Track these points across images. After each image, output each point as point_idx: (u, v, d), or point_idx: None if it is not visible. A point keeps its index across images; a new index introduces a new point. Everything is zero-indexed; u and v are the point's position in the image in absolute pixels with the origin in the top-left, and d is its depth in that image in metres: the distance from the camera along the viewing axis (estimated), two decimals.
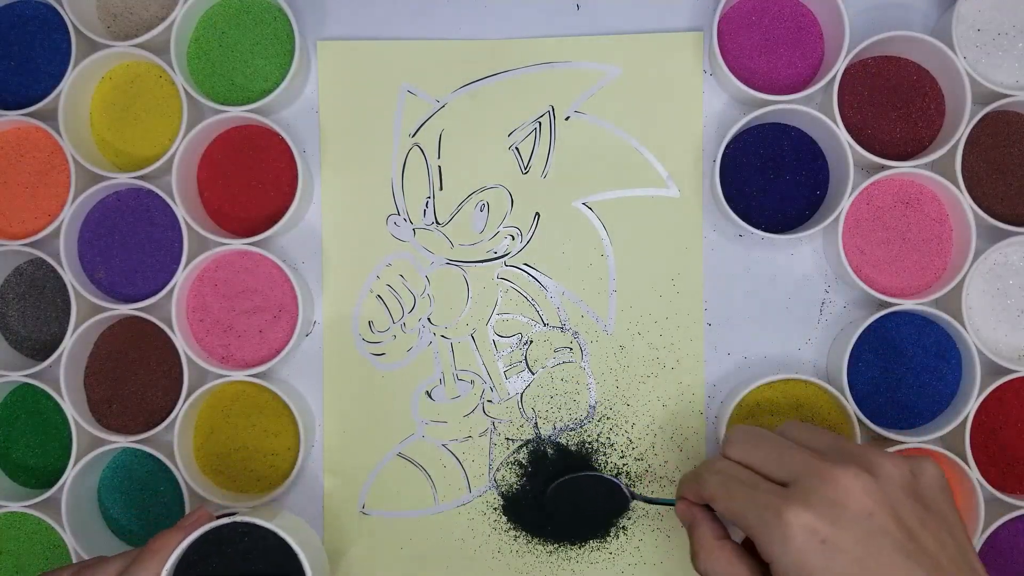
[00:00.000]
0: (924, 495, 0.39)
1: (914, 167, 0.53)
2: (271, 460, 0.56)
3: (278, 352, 0.55)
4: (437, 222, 0.57)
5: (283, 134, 0.54)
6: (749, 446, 0.42)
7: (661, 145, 0.57)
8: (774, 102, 0.53)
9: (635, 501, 0.53)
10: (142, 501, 0.57)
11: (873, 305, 0.56)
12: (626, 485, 0.53)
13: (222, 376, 0.55)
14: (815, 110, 0.53)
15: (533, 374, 0.57)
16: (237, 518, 0.42)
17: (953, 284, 0.52)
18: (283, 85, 0.54)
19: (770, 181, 0.55)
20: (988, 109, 0.53)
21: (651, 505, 0.54)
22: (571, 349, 0.57)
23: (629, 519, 0.56)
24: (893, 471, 0.38)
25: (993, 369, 0.54)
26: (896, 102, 0.55)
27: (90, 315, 0.55)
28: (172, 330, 0.54)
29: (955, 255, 0.54)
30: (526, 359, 0.57)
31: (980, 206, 0.53)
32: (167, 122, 0.56)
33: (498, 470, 0.56)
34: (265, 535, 0.43)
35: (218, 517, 0.44)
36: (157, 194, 0.55)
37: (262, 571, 0.42)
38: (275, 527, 0.42)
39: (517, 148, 0.57)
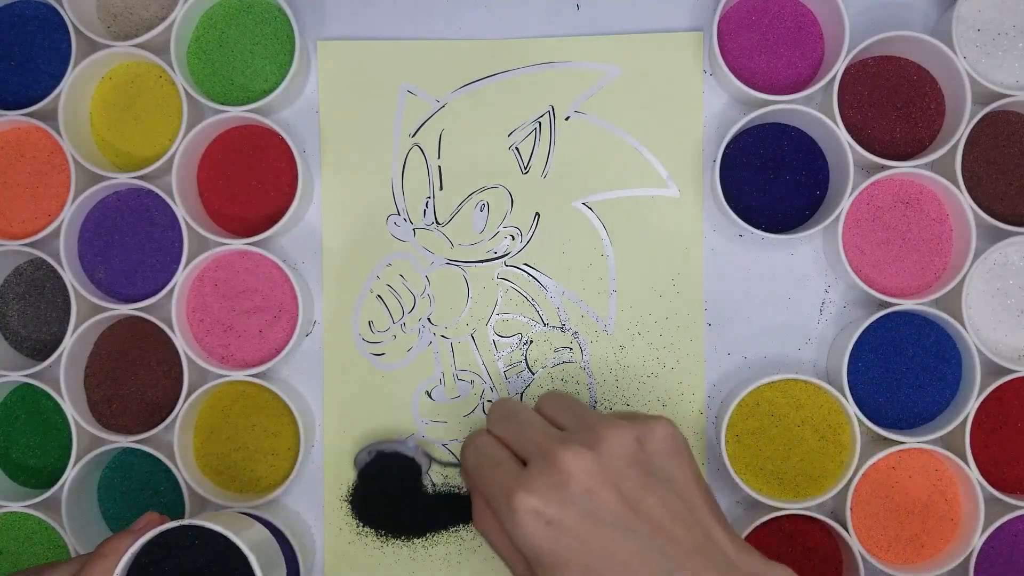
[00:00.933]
0: (650, 461, 0.40)
1: (914, 167, 0.53)
2: (271, 460, 0.56)
3: (278, 352, 0.55)
4: (437, 222, 0.57)
5: (283, 134, 0.54)
6: (501, 422, 0.44)
7: (661, 145, 0.57)
8: (774, 102, 0.53)
9: (434, 465, 0.53)
10: (142, 501, 0.57)
11: (873, 305, 0.56)
12: (417, 447, 0.52)
13: (222, 376, 0.55)
14: (815, 110, 0.53)
15: (533, 374, 0.57)
16: (186, 521, 0.42)
17: (953, 284, 0.52)
18: (283, 85, 0.54)
19: (770, 181, 0.55)
20: (988, 109, 0.53)
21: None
22: (571, 349, 0.57)
23: None
24: (615, 444, 0.40)
25: (993, 369, 0.54)
26: (896, 102, 0.55)
27: (90, 315, 0.55)
28: (172, 330, 0.54)
29: (955, 255, 0.54)
30: (526, 359, 0.57)
31: (980, 206, 0.53)
32: (167, 122, 0.56)
33: None
34: (216, 539, 0.42)
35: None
36: (157, 194, 0.55)
37: (213, 570, 0.42)
38: (224, 530, 0.42)
39: (517, 148, 0.57)
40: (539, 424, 0.43)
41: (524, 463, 0.41)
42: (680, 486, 0.40)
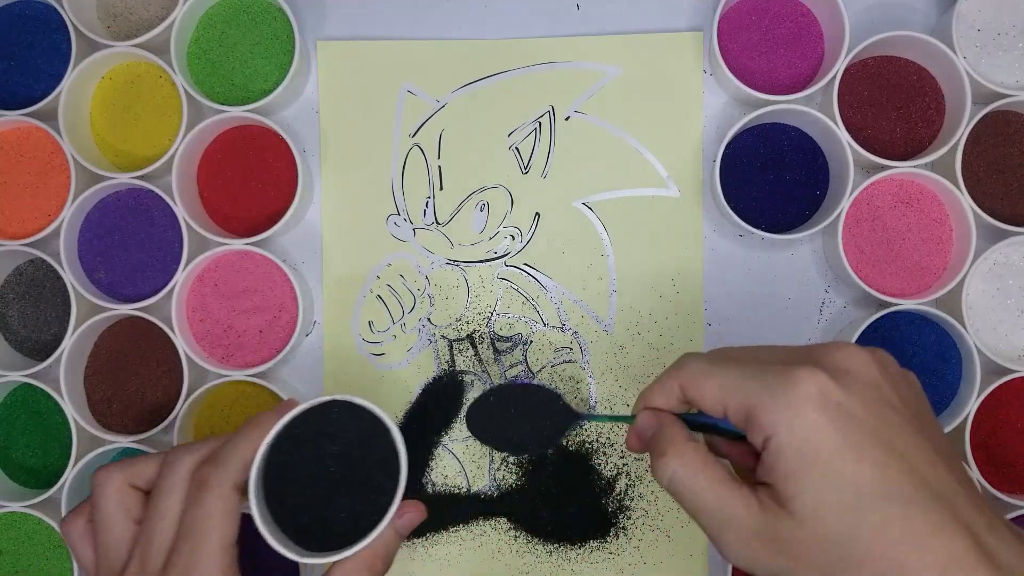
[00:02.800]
0: (913, 389, 0.37)
1: (914, 167, 0.53)
2: None
3: (278, 352, 0.55)
4: (437, 222, 0.57)
5: (283, 134, 0.54)
6: (732, 349, 0.38)
7: (661, 145, 0.57)
8: (774, 102, 0.53)
9: (581, 420, 0.47)
10: None
11: (873, 305, 0.56)
12: (565, 400, 0.47)
13: (222, 376, 0.55)
14: (815, 110, 0.53)
15: (533, 374, 0.57)
16: (334, 396, 0.42)
17: (953, 284, 0.52)
18: (283, 85, 0.54)
19: (770, 181, 0.55)
20: (988, 109, 0.53)
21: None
22: (571, 349, 0.57)
23: (629, 519, 0.56)
24: (890, 360, 0.37)
25: (993, 369, 0.54)
26: (896, 102, 0.55)
27: (90, 315, 0.55)
28: (172, 330, 0.54)
29: (955, 255, 0.54)
30: (526, 359, 0.57)
31: (980, 206, 0.53)
32: (167, 122, 0.56)
33: (498, 469, 0.56)
34: (359, 414, 0.42)
35: None
36: (157, 194, 0.55)
37: (355, 446, 0.42)
38: (369, 404, 0.42)
39: (517, 148, 0.57)
40: (787, 345, 0.38)
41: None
42: (937, 424, 0.37)
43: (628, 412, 0.56)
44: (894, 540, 0.32)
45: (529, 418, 0.47)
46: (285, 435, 0.42)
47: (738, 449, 0.40)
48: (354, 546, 0.40)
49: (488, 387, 0.50)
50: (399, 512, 0.41)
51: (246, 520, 0.40)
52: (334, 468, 0.42)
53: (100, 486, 0.42)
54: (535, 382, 0.48)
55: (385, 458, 0.42)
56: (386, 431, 0.42)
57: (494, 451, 0.54)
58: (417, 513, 0.43)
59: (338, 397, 0.42)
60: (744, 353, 0.37)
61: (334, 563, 0.40)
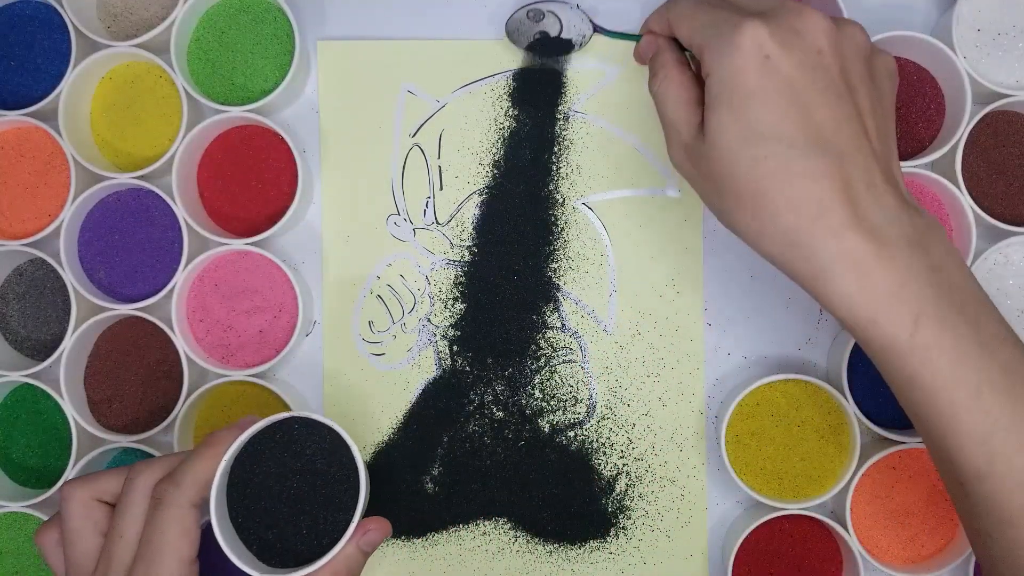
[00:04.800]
0: (875, 70, 0.41)
1: (914, 167, 0.53)
2: None
3: (278, 352, 0.55)
4: (437, 222, 0.57)
5: (283, 134, 0.54)
6: None
7: (661, 145, 0.57)
8: None
9: (596, 34, 0.52)
10: None
11: None
12: (586, 16, 0.52)
13: (222, 376, 0.55)
14: None
15: (533, 374, 0.57)
16: (293, 413, 0.42)
17: None
18: (283, 85, 0.54)
19: None
20: (988, 109, 0.53)
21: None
22: (571, 349, 0.57)
23: (629, 519, 0.56)
24: (859, 35, 0.40)
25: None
26: (896, 102, 0.55)
27: (90, 315, 0.55)
28: (172, 330, 0.54)
29: None
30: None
31: (980, 206, 0.53)
32: (167, 122, 0.56)
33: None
34: (319, 431, 0.42)
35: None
36: (157, 194, 0.55)
37: (317, 463, 0.42)
38: (328, 421, 0.42)
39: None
40: None
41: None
42: (886, 106, 0.41)
43: (628, 412, 0.56)
44: (766, 173, 0.38)
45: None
46: (247, 451, 0.42)
47: None
48: (314, 563, 0.40)
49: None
50: (361, 529, 0.42)
51: (213, 535, 0.40)
52: (296, 485, 0.42)
53: (66, 500, 0.42)
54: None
55: (346, 475, 0.42)
56: (346, 448, 0.42)
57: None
58: (379, 531, 0.43)
59: (297, 414, 0.42)
60: None
61: None
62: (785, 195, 0.38)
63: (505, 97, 0.57)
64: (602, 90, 0.57)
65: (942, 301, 0.37)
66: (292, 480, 0.42)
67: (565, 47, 0.55)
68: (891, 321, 0.37)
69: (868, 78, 0.40)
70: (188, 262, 0.54)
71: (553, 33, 0.51)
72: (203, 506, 0.41)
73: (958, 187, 0.52)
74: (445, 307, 0.57)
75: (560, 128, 0.57)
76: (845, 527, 0.52)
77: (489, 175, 0.57)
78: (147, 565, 0.39)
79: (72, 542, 0.42)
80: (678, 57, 0.44)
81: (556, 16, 0.51)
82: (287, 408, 0.55)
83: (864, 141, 0.39)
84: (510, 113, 0.57)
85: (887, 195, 0.39)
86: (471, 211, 0.57)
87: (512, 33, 0.54)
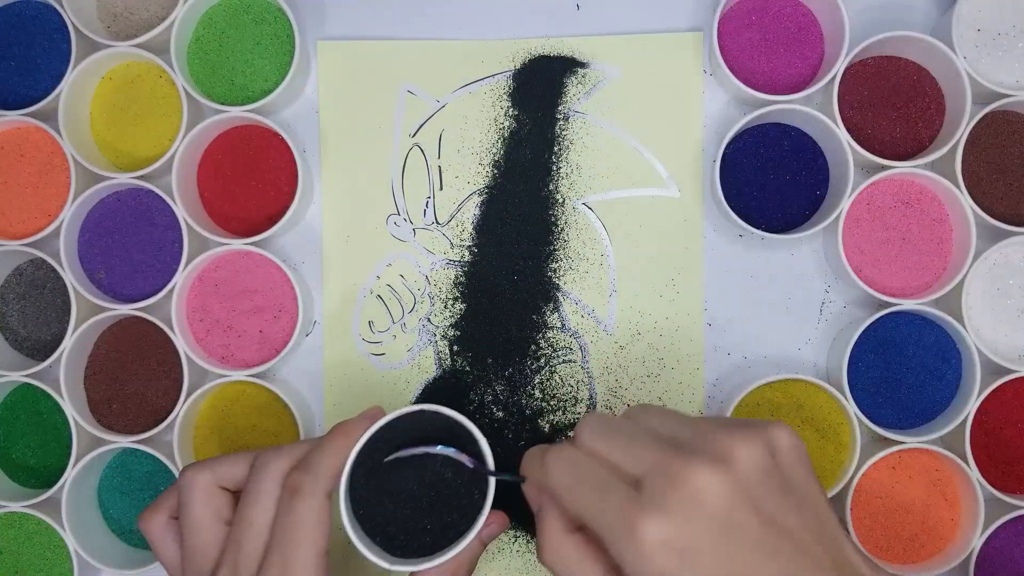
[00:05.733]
0: (783, 472, 0.36)
1: (914, 167, 0.53)
2: None
3: (278, 352, 0.55)
4: (437, 222, 0.57)
5: (283, 134, 0.54)
6: (598, 435, 0.37)
7: (661, 145, 0.57)
8: (774, 102, 0.53)
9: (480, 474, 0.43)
10: (142, 501, 0.57)
11: (873, 305, 0.56)
12: (470, 459, 0.42)
13: (222, 376, 0.55)
14: (815, 110, 0.53)
15: (534, 374, 0.57)
16: (423, 407, 0.42)
17: (953, 284, 0.52)
18: (283, 85, 0.54)
19: (770, 181, 0.55)
20: (988, 109, 0.53)
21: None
22: (571, 349, 0.57)
23: None
24: (749, 457, 0.35)
25: (993, 369, 0.54)
26: (896, 102, 0.55)
27: (90, 315, 0.55)
28: (172, 330, 0.54)
29: (955, 255, 0.54)
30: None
31: (980, 206, 0.53)
32: (167, 122, 0.56)
33: None
34: (445, 423, 0.42)
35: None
36: (157, 194, 0.55)
37: (444, 454, 0.41)
38: (456, 415, 0.42)
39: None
40: (649, 437, 0.36)
41: (634, 485, 0.35)
42: (812, 500, 0.36)
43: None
44: None
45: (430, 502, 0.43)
46: (372, 443, 0.41)
47: None
48: (443, 554, 0.40)
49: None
50: (485, 522, 0.41)
51: None
52: (419, 478, 0.42)
53: (188, 487, 0.41)
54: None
55: (472, 468, 0.41)
56: (474, 441, 0.42)
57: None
58: (500, 524, 0.43)
59: (427, 407, 0.42)
60: (605, 450, 0.37)
61: (417, 571, 0.41)
62: None
63: (505, 97, 0.57)
64: (602, 90, 0.57)
65: None
66: (416, 473, 0.41)
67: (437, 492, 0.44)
68: None
69: (780, 489, 0.35)
70: (188, 262, 0.54)
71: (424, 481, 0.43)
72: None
73: (958, 187, 0.52)
74: (445, 307, 0.57)
75: (560, 128, 0.57)
76: (845, 527, 0.52)
77: (489, 175, 0.57)
78: (283, 555, 0.38)
79: (195, 530, 0.41)
80: (566, 522, 0.38)
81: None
82: (287, 408, 0.55)
83: (817, 571, 0.34)
84: (510, 113, 0.57)
85: None
86: (471, 211, 0.57)
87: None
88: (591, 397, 0.56)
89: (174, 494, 0.43)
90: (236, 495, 0.42)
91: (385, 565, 0.40)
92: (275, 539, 0.39)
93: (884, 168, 0.53)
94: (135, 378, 0.56)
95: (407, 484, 0.41)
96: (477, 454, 0.42)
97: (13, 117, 0.54)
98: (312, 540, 0.39)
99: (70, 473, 0.54)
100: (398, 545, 0.41)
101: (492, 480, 0.41)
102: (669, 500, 0.33)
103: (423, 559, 0.40)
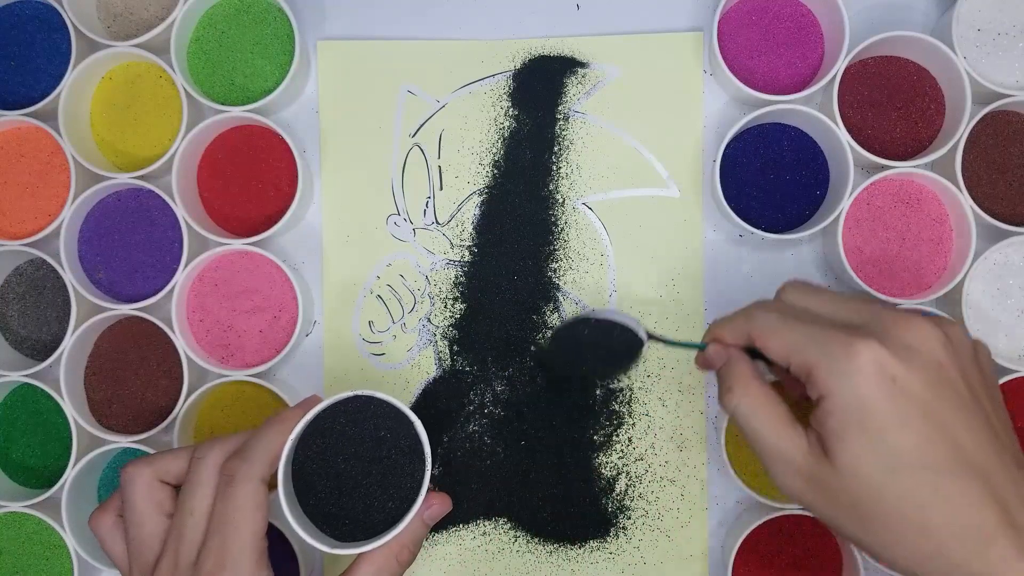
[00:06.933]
0: (982, 365, 0.39)
1: (914, 167, 0.53)
2: None
3: (278, 352, 0.55)
4: (437, 222, 0.57)
5: (283, 134, 0.54)
6: (808, 292, 0.40)
7: (661, 145, 0.57)
8: (774, 102, 0.53)
9: (651, 342, 0.47)
10: None
11: None
12: (640, 324, 0.47)
13: (222, 376, 0.55)
14: (815, 110, 0.53)
15: (534, 374, 0.57)
16: (357, 392, 0.43)
17: (953, 284, 0.52)
18: (283, 85, 0.54)
19: (770, 181, 0.55)
20: (988, 109, 0.53)
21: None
22: None
23: (629, 519, 0.56)
24: (962, 336, 0.38)
25: (993, 369, 0.54)
26: (896, 102, 0.55)
27: (90, 315, 0.55)
28: (172, 330, 0.54)
29: (955, 255, 0.54)
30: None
31: (980, 206, 0.53)
32: (167, 122, 0.56)
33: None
34: (381, 408, 0.43)
35: None
36: (157, 194, 0.55)
37: (381, 440, 0.43)
38: (391, 398, 0.43)
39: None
40: (862, 298, 0.39)
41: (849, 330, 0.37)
42: (1000, 400, 0.39)
43: (628, 412, 0.56)
44: (921, 504, 0.35)
45: (603, 346, 0.48)
46: (310, 430, 0.43)
47: (792, 380, 0.42)
48: (382, 536, 0.41)
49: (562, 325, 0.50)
50: (426, 503, 0.42)
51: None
52: (359, 462, 0.43)
53: (130, 482, 0.42)
54: (605, 315, 0.48)
55: (409, 451, 0.43)
56: (409, 424, 0.43)
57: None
58: (443, 505, 0.44)
59: (360, 392, 0.43)
60: (814, 307, 0.40)
61: (362, 553, 0.41)
62: (948, 526, 0.35)
63: (505, 97, 0.57)
64: (602, 90, 0.57)
65: None
66: (356, 457, 0.43)
67: (616, 359, 0.49)
68: None
69: (982, 378, 0.38)
70: (188, 262, 0.54)
71: (604, 343, 0.48)
72: (272, 483, 0.42)
73: (958, 187, 0.52)
74: (445, 307, 0.57)
75: (560, 128, 0.57)
76: None
77: (489, 175, 0.57)
78: (222, 540, 0.40)
79: (138, 524, 0.42)
80: (754, 371, 0.41)
81: (610, 325, 0.47)
82: (288, 408, 0.54)
83: (1002, 452, 0.37)
84: (510, 113, 0.57)
85: None
86: (471, 211, 0.57)
87: (559, 339, 0.51)
88: (591, 397, 0.56)
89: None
90: (178, 489, 0.43)
91: (326, 549, 0.41)
92: (213, 524, 0.40)
93: (884, 168, 0.53)
94: (135, 378, 0.56)
95: (343, 459, 0.42)
96: (414, 437, 0.43)
97: (13, 117, 0.54)
98: (248, 524, 0.40)
99: (70, 473, 0.54)
100: (341, 527, 0.42)
101: (428, 461, 0.42)
102: (890, 335, 0.36)
103: (363, 543, 0.41)
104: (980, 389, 0.38)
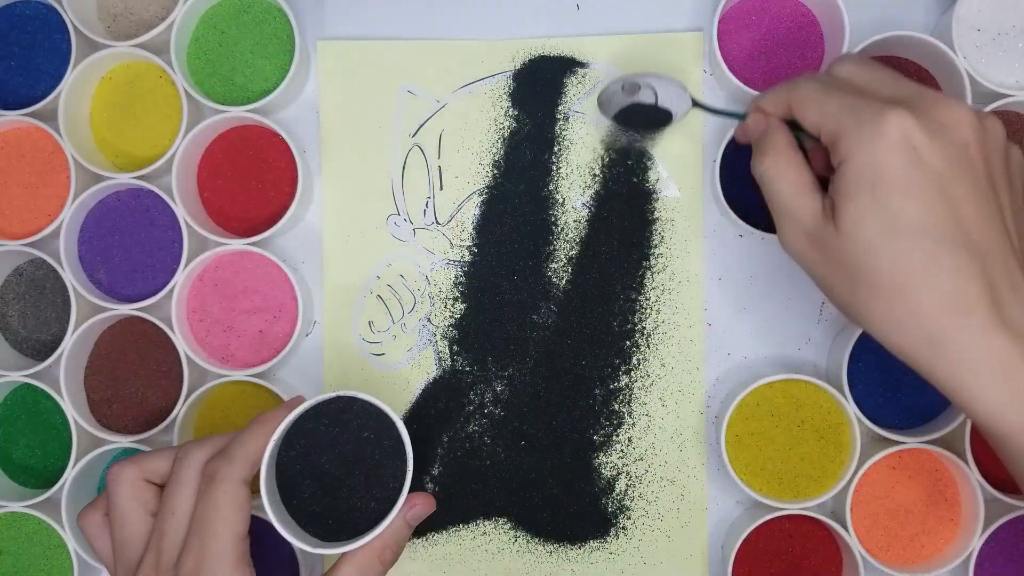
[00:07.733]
0: (1011, 165, 0.40)
1: None
2: None
3: (278, 352, 0.55)
4: (437, 222, 0.57)
5: (283, 134, 0.54)
6: (859, 66, 0.41)
7: (661, 145, 0.57)
8: None
9: (695, 109, 0.50)
10: None
11: None
12: (686, 89, 0.49)
13: (222, 376, 0.55)
14: None
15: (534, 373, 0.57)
16: (339, 393, 0.43)
17: None
18: (283, 85, 0.54)
19: None
20: (988, 109, 0.53)
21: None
22: None
23: (629, 519, 0.56)
24: (999, 129, 0.39)
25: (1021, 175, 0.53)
26: None
27: (90, 315, 0.55)
28: (172, 330, 0.54)
29: None
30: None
31: None
32: (167, 122, 0.56)
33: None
34: (364, 409, 0.43)
35: None
36: (157, 194, 0.55)
37: (363, 441, 0.43)
38: (373, 399, 0.43)
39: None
40: (911, 80, 0.40)
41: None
42: (1020, 203, 0.40)
43: (628, 412, 0.56)
44: (911, 268, 0.37)
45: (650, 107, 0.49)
46: (293, 430, 0.43)
47: (820, 155, 0.42)
48: (364, 536, 0.41)
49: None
50: (408, 503, 0.43)
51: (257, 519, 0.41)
52: (343, 462, 0.43)
53: (115, 481, 0.43)
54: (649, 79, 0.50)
55: (392, 451, 0.43)
56: (392, 425, 0.43)
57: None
58: (426, 505, 0.44)
59: (343, 393, 0.43)
60: (860, 80, 0.41)
61: (345, 552, 0.42)
62: (930, 290, 0.36)
63: (505, 97, 0.57)
64: None
65: None
66: (339, 457, 0.43)
67: (660, 119, 0.51)
68: None
69: (1006, 175, 0.39)
70: (188, 262, 0.54)
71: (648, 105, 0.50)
72: (254, 484, 0.42)
73: None
74: (445, 307, 0.57)
75: (560, 128, 0.57)
76: (845, 527, 0.52)
77: (489, 175, 0.57)
78: (201, 540, 0.40)
79: (122, 523, 0.42)
80: (790, 139, 0.42)
81: (653, 90, 0.50)
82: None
83: (1006, 240, 0.38)
84: (510, 113, 0.57)
85: None
86: (471, 211, 0.57)
87: (603, 105, 0.53)
88: (591, 397, 0.56)
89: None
90: (162, 488, 0.43)
91: (308, 548, 0.41)
92: (194, 525, 0.41)
93: None
94: (135, 378, 0.56)
95: (326, 459, 0.43)
96: (397, 438, 0.43)
97: (13, 117, 0.54)
98: (229, 524, 0.40)
99: (70, 473, 0.54)
100: (324, 529, 0.43)
101: (410, 460, 0.43)
102: (924, 111, 0.37)
103: (345, 542, 0.42)
104: (1000, 181, 0.38)
